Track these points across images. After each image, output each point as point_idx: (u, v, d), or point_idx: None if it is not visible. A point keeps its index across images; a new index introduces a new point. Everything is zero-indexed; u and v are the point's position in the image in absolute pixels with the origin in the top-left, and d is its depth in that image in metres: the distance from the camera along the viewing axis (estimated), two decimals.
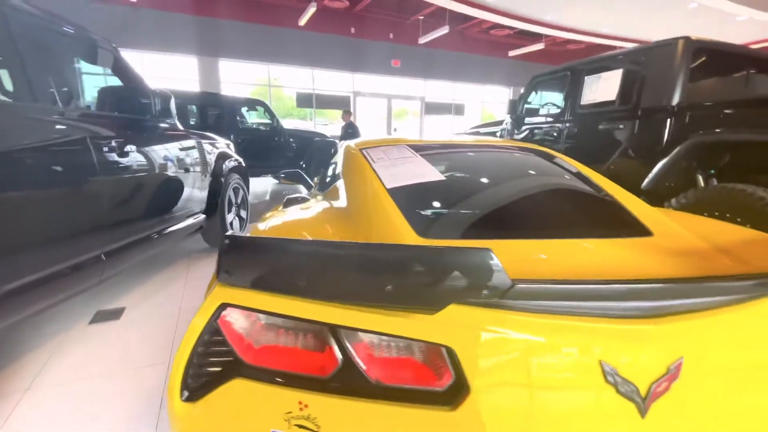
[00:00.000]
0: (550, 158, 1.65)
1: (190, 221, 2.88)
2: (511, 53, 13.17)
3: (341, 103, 11.93)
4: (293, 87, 11.46)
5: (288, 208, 1.53)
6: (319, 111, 12.56)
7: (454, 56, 13.22)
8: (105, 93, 2.40)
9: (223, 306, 0.68)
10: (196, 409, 0.66)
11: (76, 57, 2.23)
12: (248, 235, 0.77)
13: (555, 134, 4.06)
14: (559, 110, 4.08)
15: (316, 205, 1.43)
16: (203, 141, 3.18)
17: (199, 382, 0.67)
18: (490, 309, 0.61)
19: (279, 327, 0.68)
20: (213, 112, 6.61)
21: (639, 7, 8.79)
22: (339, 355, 0.63)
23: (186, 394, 0.67)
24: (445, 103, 14.25)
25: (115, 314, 2.27)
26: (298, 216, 1.37)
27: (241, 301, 0.67)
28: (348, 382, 0.62)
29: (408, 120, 14.15)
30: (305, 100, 11.39)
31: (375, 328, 0.62)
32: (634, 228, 1.14)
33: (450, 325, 0.61)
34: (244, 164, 3.88)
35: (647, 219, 1.18)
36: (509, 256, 0.72)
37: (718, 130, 2.58)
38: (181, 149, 2.76)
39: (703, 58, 2.99)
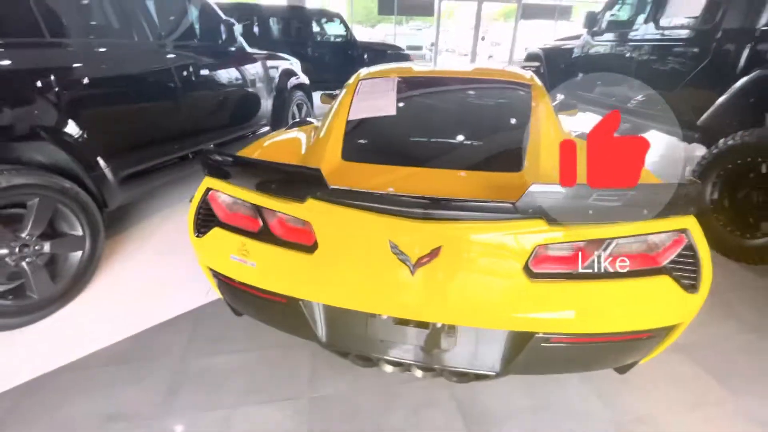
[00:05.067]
0: (516, 96, 1.74)
1: (257, 130, 3.52)
2: None
3: (424, 8, 11.18)
4: None
5: (290, 129, 1.96)
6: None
7: None
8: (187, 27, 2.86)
9: (208, 189, 1.21)
10: (201, 241, 1.25)
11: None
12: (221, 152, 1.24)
13: (628, 55, 3.66)
14: (639, 27, 3.60)
15: (310, 129, 1.83)
16: (267, 61, 3.65)
17: (200, 228, 1.25)
18: (325, 202, 1.04)
19: (235, 203, 1.20)
20: (293, 26, 6.96)
21: None
22: (260, 221, 1.15)
23: (196, 233, 1.26)
24: (547, 5, 12.34)
25: None
26: (288, 137, 1.81)
27: (216, 187, 1.21)
28: (264, 235, 1.16)
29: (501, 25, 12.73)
30: (387, 6, 10.94)
31: (275, 208, 1.12)
32: (511, 165, 1.38)
33: (309, 209, 1.06)
34: (308, 82, 4.36)
35: (534, 158, 1.37)
36: (380, 176, 1.28)
37: None
38: (245, 70, 3.28)
39: None
